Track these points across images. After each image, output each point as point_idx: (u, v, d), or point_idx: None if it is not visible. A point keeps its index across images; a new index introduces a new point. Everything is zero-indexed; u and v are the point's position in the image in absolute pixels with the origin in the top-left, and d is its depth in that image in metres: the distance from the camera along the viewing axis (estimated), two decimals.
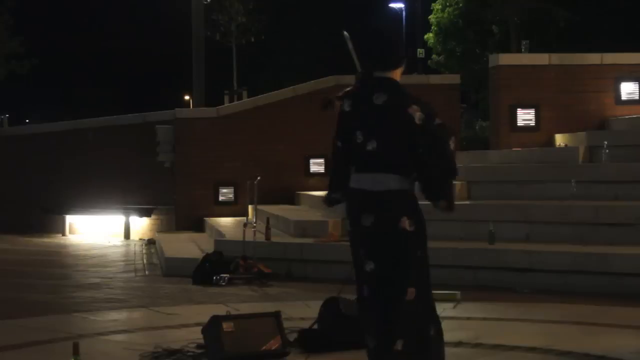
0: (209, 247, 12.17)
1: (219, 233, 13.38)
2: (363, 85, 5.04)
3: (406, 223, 4.81)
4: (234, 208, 16.08)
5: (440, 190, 4.95)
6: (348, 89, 5.15)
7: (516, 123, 14.31)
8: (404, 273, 4.83)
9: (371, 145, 4.86)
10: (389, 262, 4.84)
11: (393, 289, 4.84)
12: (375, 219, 4.84)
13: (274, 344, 6.35)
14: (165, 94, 43.91)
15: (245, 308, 8.30)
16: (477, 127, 28.08)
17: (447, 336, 6.95)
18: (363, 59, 5.17)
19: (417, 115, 4.80)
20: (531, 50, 15.43)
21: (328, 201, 5.24)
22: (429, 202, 4.96)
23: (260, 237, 11.48)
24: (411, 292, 4.82)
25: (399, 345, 4.79)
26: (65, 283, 11.11)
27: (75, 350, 5.44)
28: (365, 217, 4.87)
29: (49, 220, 18.77)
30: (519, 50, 19.65)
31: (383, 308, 4.86)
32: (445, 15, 33.14)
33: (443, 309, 8.14)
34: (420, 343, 4.87)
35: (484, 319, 7.98)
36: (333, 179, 5.18)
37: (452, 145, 4.89)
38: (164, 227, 17.07)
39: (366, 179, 4.90)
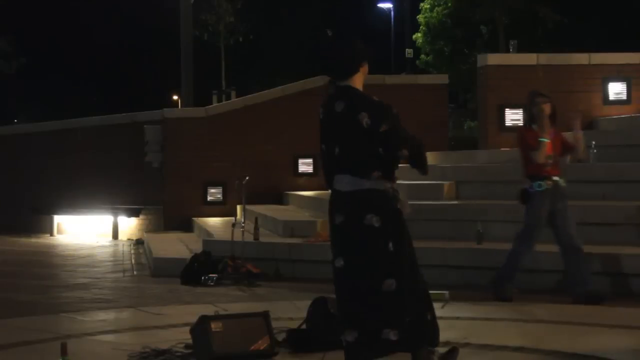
0: (198, 247, 12.16)
1: (208, 233, 13.38)
2: (330, 94, 5.35)
3: (372, 220, 5.07)
4: (222, 208, 16.07)
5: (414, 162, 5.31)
6: None
7: (504, 123, 14.31)
8: (375, 266, 5.06)
9: (336, 150, 5.19)
10: (358, 258, 5.10)
11: (366, 283, 5.07)
12: (344, 217, 5.16)
13: (262, 344, 6.36)
14: (153, 94, 43.80)
15: (233, 308, 8.30)
16: (465, 127, 28.13)
17: None
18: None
19: (365, 121, 5.10)
20: (519, 50, 15.45)
21: None
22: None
23: (249, 237, 11.48)
24: (389, 284, 5.06)
25: (391, 335, 4.94)
26: (53, 283, 11.08)
27: (64, 351, 5.44)
28: (337, 216, 5.21)
29: (37, 220, 18.71)
30: (507, 50, 19.73)
31: (357, 301, 5.08)
32: (434, 14, 33.17)
33: None
34: (416, 329, 5.06)
35: (472, 318, 8.00)
36: (327, 181, 5.44)
37: (404, 152, 5.15)
38: (152, 227, 17.04)
39: (339, 180, 5.23)
